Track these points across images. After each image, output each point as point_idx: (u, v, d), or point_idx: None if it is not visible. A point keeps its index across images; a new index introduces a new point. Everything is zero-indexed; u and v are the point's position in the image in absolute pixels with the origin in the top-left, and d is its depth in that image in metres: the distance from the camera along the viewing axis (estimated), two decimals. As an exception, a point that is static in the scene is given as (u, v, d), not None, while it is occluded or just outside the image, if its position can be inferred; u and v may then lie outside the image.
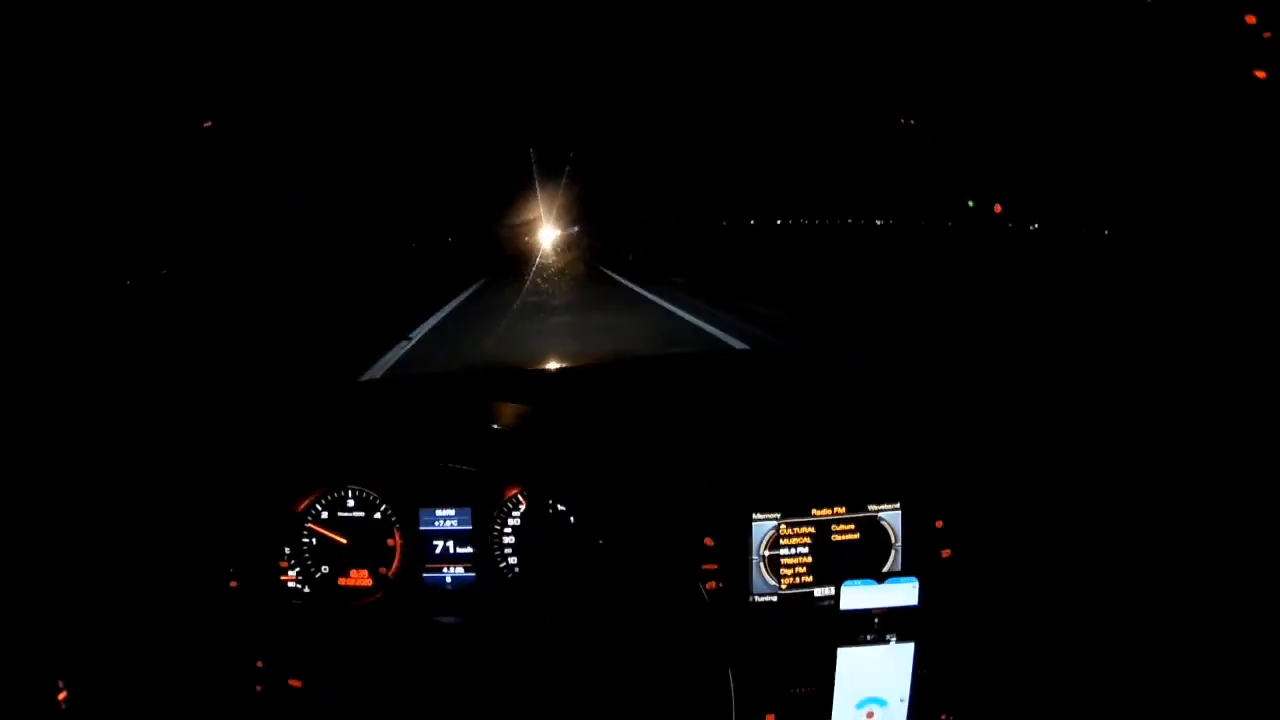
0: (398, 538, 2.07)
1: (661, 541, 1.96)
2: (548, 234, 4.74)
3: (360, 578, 2.09)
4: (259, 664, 1.96)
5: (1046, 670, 1.98)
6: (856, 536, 1.98)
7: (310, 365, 3.02)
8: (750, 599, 1.98)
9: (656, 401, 2.27)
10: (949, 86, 3.26)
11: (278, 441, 2.13)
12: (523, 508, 2.06)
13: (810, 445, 2.09)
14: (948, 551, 1.99)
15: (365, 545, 2.09)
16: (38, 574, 1.95)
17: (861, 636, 1.94)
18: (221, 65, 2.83)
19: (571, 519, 2.05)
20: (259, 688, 1.95)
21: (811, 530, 1.97)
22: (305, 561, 2.10)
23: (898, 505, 1.98)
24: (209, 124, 3.04)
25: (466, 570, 2.07)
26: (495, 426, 2.17)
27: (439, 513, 2.06)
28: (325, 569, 2.10)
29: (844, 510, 1.98)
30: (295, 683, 1.95)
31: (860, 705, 1.95)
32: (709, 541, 1.96)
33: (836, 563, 1.97)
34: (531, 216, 4.44)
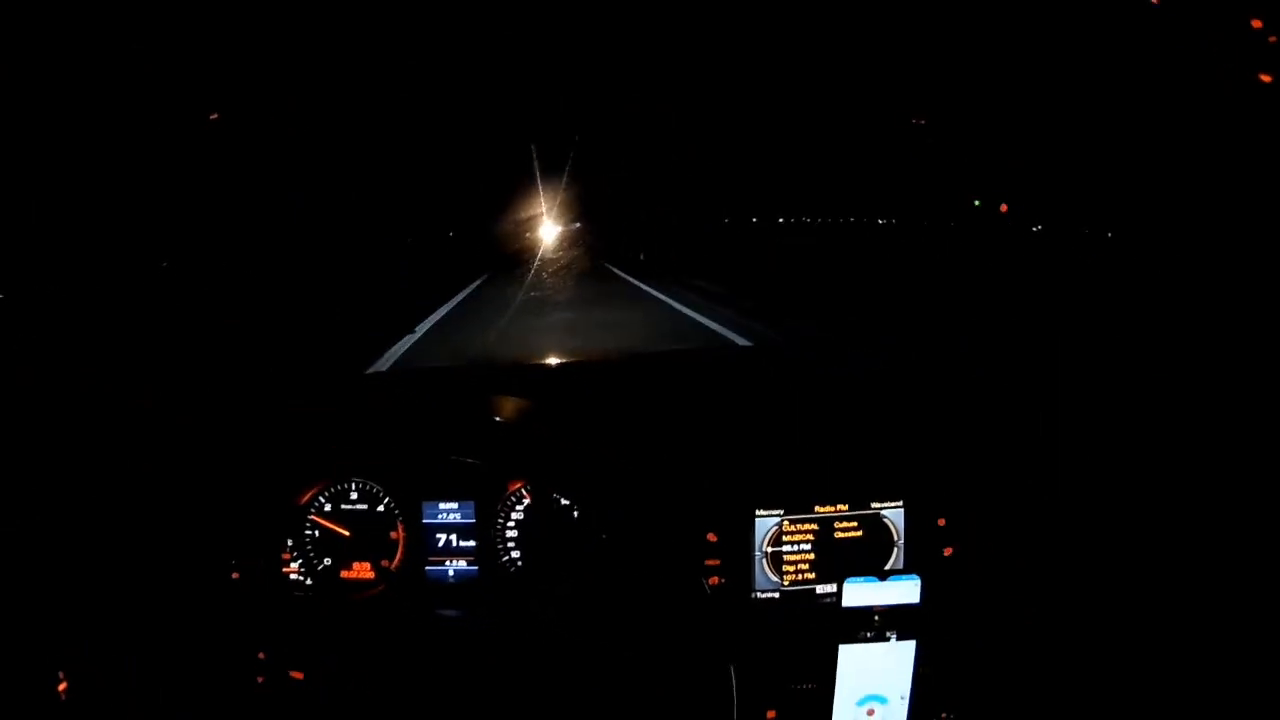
0: (400, 531, 2.07)
1: (664, 537, 1.96)
2: (550, 230, 4.74)
3: (362, 570, 2.09)
4: (260, 656, 1.96)
5: (1047, 669, 1.98)
6: (859, 534, 1.99)
7: (314, 359, 3.02)
8: (752, 595, 1.98)
9: (660, 397, 2.27)
10: (953, 86, 3.26)
11: (281, 434, 2.13)
12: (526, 502, 2.06)
13: (813, 442, 2.10)
14: (950, 550, 1.99)
15: (368, 538, 2.09)
16: (38, 568, 1.96)
17: (862, 634, 1.94)
18: (221, 62, 2.83)
19: (574, 514, 2.05)
20: (260, 679, 1.94)
21: (814, 527, 1.98)
22: (308, 554, 2.10)
23: (900, 503, 1.99)
24: (215, 116, 3.04)
25: (469, 564, 2.07)
26: (499, 420, 2.17)
27: (442, 506, 2.06)
28: (328, 561, 2.10)
29: (847, 507, 1.98)
30: (297, 675, 1.95)
31: (861, 702, 1.96)
32: (712, 538, 1.96)
33: (839, 560, 1.98)
34: (533, 213, 4.44)
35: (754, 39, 3.26)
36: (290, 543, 2.09)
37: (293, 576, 2.11)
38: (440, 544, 2.07)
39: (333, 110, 3.61)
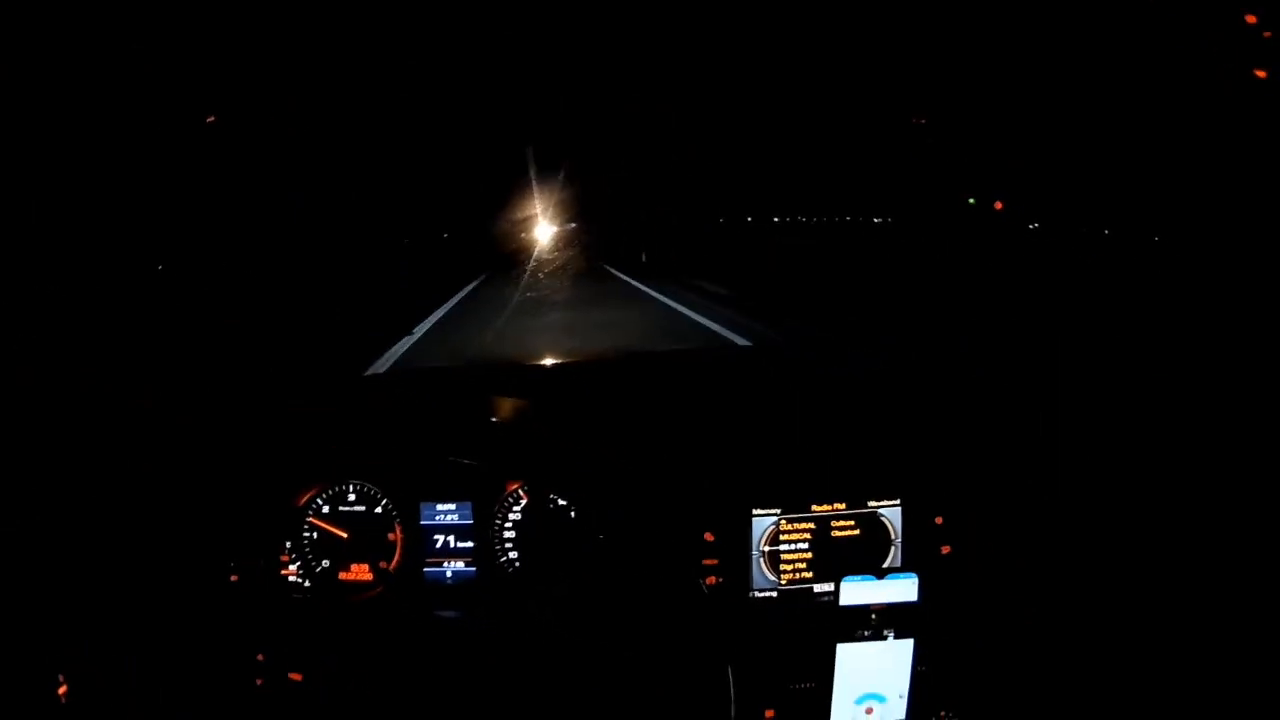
0: (398, 532, 2.07)
1: (662, 537, 1.97)
2: (546, 230, 4.73)
3: (361, 572, 2.09)
4: (259, 658, 1.96)
5: (1045, 666, 1.98)
6: (856, 532, 1.99)
7: (312, 361, 3.02)
8: (750, 595, 1.99)
9: (658, 397, 2.28)
10: (948, 84, 3.27)
11: (279, 435, 2.13)
12: (523, 503, 2.07)
13: (811, 441, 2.10)
14: (947, 548, 2.00)
15: (366, 539, 2.09)
16: (38, 569, 1.96)
17: (860, 632, 1.95)
18: (219, 63, 2.83)
19: (572, 514, 2.06)
20: (259, 681, 1.95)
21: (811, 526, 1.98)
22: (306, 555, 2.10)
23: (898, 501, 1.99)
24: (212, 119, 3.04)
25: (467, 565, 2.07)
26: (496, 421, 2.17)
27: (440, 507, 2.06)
28: (326, 563, 2.10)
29: (844, 506, 1.98)
30: (295, 676, 1.95)
31: (859, 701, 1.96)
32: (709, 537, 1.97)
33: (836, 559, 1.98)
34: (529, 213, 4.44)
35: (751, 38, 3.27)
36: (289, 544, 2.09)
37: (291, 578, 2.10)
38: (438, 545, 2.07)
39: (330, 109, 3.61)
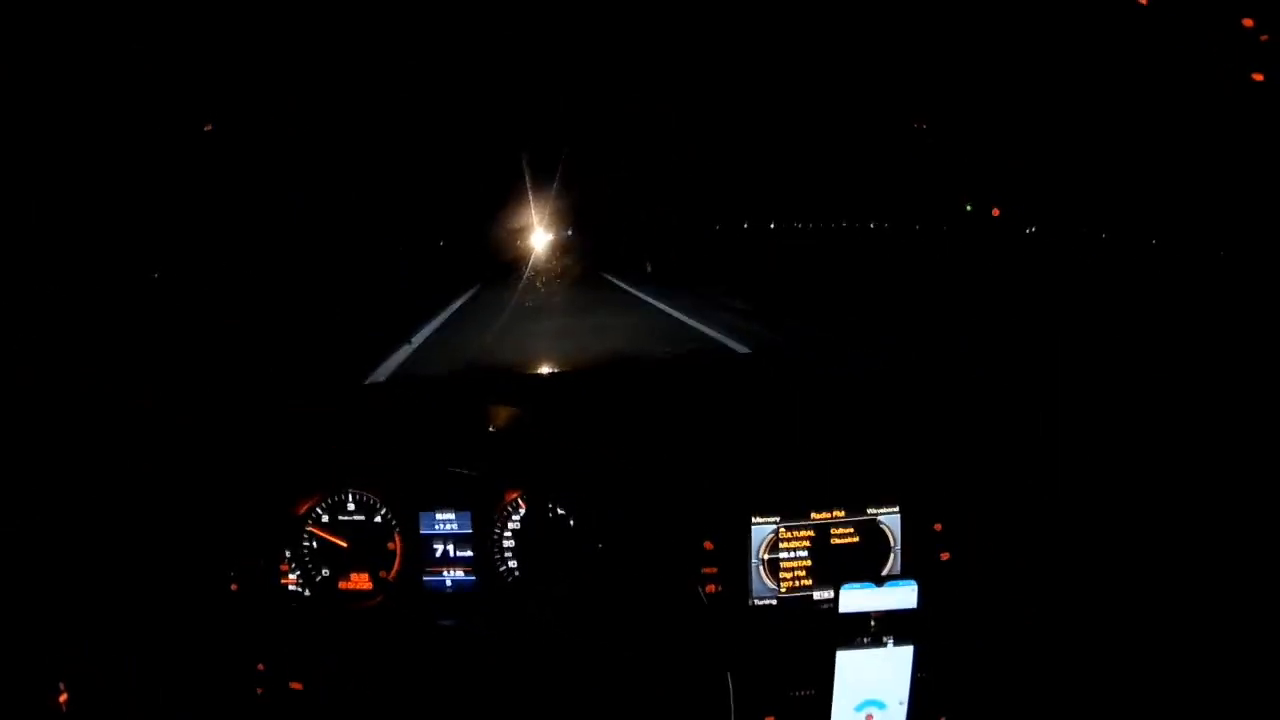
0: (398, 541, 2.07)
1: (661, 545, 1.97)
2: (542, 238, 4.73)
3: (360, 581, 2.09)
4: (260, 667, 1.96)
5: (1044, 672, 1.98)
6: (856, 540, 2.00)
7: (312, 369, 3.02)
8: (750, 602, 1.99)
9: (657, 404, 2.28)
10: (948, 90, 3.27)
11: (279, 444, 2.13)
12: (522, 511, 2.07)
13: (809, 448, 2.10)
14: (946, 554, 2.00)
15: (365, 548, 2.09)
16: (38, 575, 1.96)
17: (860, 639, 1.94)
18: (221, 66, 2.83)
19: (571, 522, 2.06)
20: (260, 690, 1.95)
21: (811, 533, 1.98)
22: (306, 564, 2.10)
23: (897, 508, 1.99)
24: (209, 128, 3.04)
25: (466, 573, 2.07)
26: (495, 430, 2.17)
27: (439, 516, 2.06)
28: (326, 572, 2.10)
29: (843, 513, 1.99)
30: (296, 685, 1.95)
31: (859, 708, 1.96)
32: (709, 545, 1.97)
33: (835, 566, 1.99)
34: (525, 221, 4.43)
35: (750, 42, 3.27)
36: (288, 554, 2.09)
37: (291, 587, 2.10)
38: (438, 554, 2.07)
39: (330, 114, 3.61)
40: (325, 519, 2.10)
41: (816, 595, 1.99)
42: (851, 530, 1.99)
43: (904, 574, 1.99)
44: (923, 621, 1.95)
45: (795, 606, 2.00)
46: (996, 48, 2.91)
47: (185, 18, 2.57)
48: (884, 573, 1.99)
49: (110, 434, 2.11)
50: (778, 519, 1.97)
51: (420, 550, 2.07)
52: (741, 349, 5.39)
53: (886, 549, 2.00)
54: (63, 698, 1.88)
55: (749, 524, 1.97)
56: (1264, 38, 2.17)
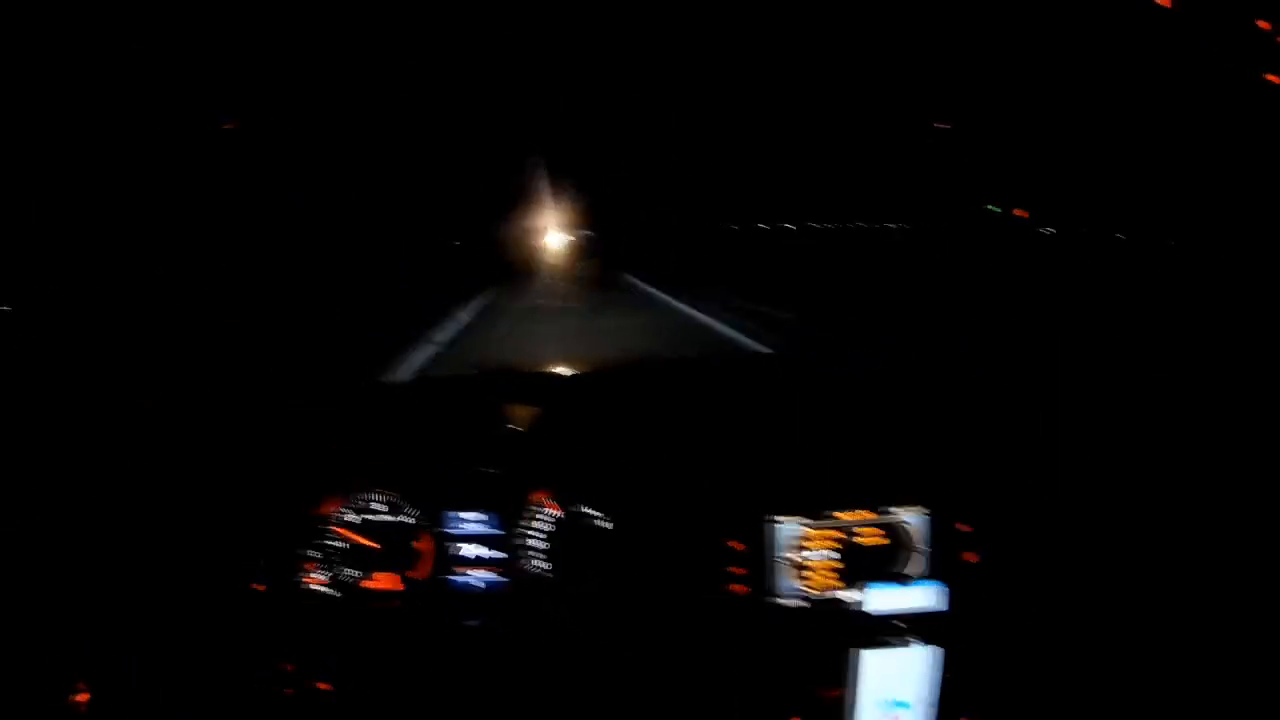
0: (425, 541, 2.08)
1: (688, 545, 1.98)
2: (558, 239, 4.74)
3: (386, 581, 2.10)
4: (288, 668, 1.97)
5: (1069, 674, 1.99)
6: (882, 540, 2.00)
7: (333, 369, 3.03)
8: (775, 602, 1.99)
9: (680, 405, 2.29)
10: (970, 91, 3.28)
11: (304, 444, 2.14)
12: (550, 511, 2.07)
13: (834, 449, 2.11)
14: (973, 555, 2.00)
15: (392, 549, 2.09)
16: (57, 574, 1.97)
17: (885, 640, 1.95)
18: (228, 66, 2.84)
19: (599, 523, 2.06)
20: (287, 691, 1.96)
21: (836, 534, 1.99)
22: (331, 565, 2.10)
23: (923, 509, 2.00)
24: (231, 126, 3.06)
25: (493, 574, 2.07)
26: (520, 430, 2.18)
27: (466, 516, 2.07)
28: (351, 573, 2.11)
29: (869, 514, 1.99)
30: (323, 686, 1.96)
31: (884, 708, 1.96)
32: (735, 545, 1.97)
33: (861, 566, 1.99)
34: (542, 221, 4.45)
35: (780, 40, 3.28)
36: (314, 554, 2.10)
37: (317, 588, 2.10)
38: (464, 554, 2.07)
39: (340, 115, 3.63)
40: (351, 519, 2.10)
41: (842, 596, 2.00)
42: (877, 531, 2.00)
43: (929, 575, 1.99)
44: (948, 622, 1.96)
45: (821, 607, 2.00)
46: (1019, 47, 2.91)
47: (201, 19, 2.59)
48: (910, 573, 1.99)
49: (132, 435, 2.12)
50: (804, 519, 1.98)
51: (447, 550, 2.07)
52: (763, 349, 5.39)
53: (912, 550, 2.00)
54: (83, 697, 1.89)
55: (774, 524, 1.97)
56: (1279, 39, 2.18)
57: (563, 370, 2.68)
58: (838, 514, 1.99)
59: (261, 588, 2.05)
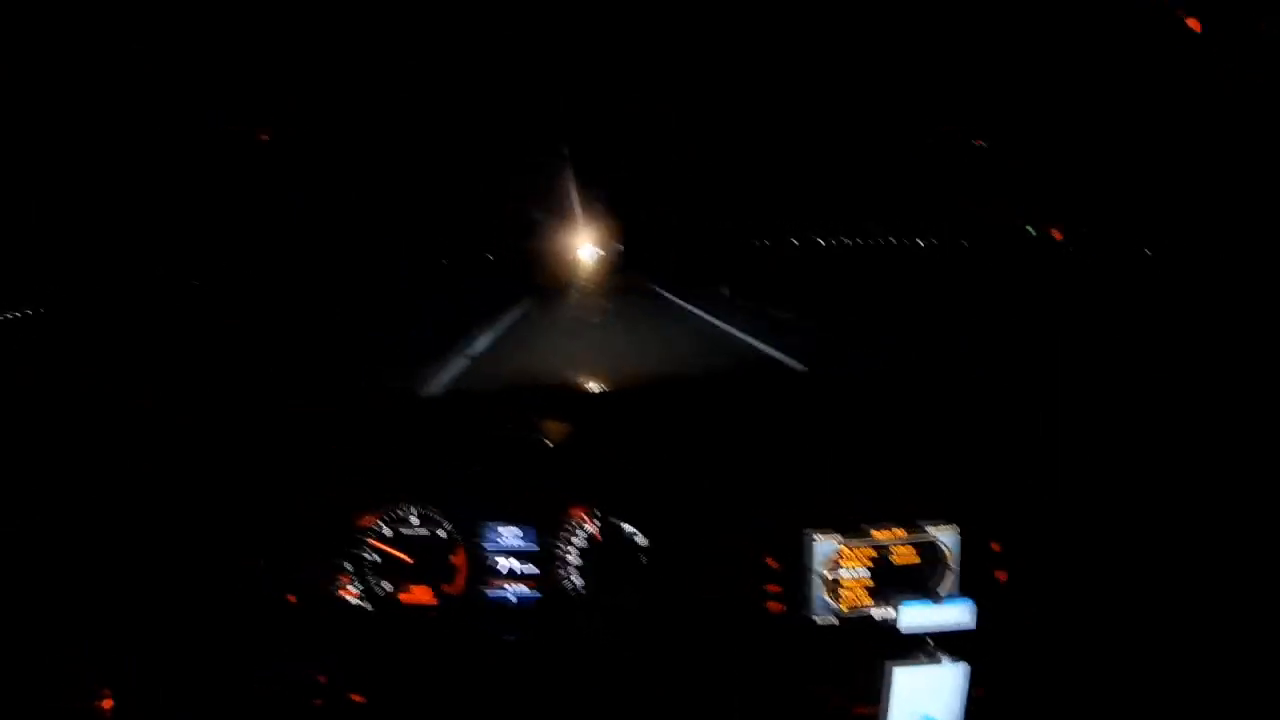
0: (461, 555, 2.10)
1: (725, 562, 1.99)
2: (591, 252, 4.74)
3: (422, 594, 2.12)
4: (320, 679, 1.99)
5: (1097, 692, 1.98)
6: (915, 558, 2.01)
7: (369, 383, 3.06)
8: (810, 619, 2.00)
9: (717, 420, 2.30)
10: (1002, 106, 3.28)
11: (339, 457, 2.16)
12: (588, 527, 2.09)
13: (869, 466, 2.12)
14: (1003, 573, 2.01)
15: (428, 562, 2.11)
16: (90, 587, 2.00)
17: (917, 656, 1.95)
18: (247, 75, 2.86)
19: (637, 539, 2.08)
20: (319, 702, 1.97)
21: (871, 552, 2.00)
22: (366, 577, 2.12)
23: (955, 526, 2.01)
24: (266, 137, 3.09)
25: (530, 588, 2.09)
26: (558, 445, 2.20)
27: (503, 530, 2.08)
28: (387, 585, 2.13)
29: (903, 532, 2.00)
30: (356, 698, 1.98)
31: (914, 724, 1.97)
32: (770, 562, 1.99)
33: (895, 584, 2.00)
34: (575, 235, 4.46)
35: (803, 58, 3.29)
36: (349, 566, 2.12)
37: (352, 600, 2.13)
38: (501, 568, 2.09)
39: (383, 131, 3.66)
40: (387, 532, 2.12)
41: (876, 613, 2.01)
42: (911, 549, 2.01)
43: (961, 592, 2.00)
44: (979, 639, 1.97)
45: (854, 624, 2.01)
46: (1046, 62, 2.92)
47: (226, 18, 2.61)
48: (941, 591, 2.00)
49: (164, 448, 2.15)
50: (839, 537, 1.99)
51: (483, 565, 2.09)
52: (798, 366, 5.38)
53: (945, 568, 2.01)
54: (107, 704, 1.92)
55: (809, 542, 1.99)
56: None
57: (599, 385, 2.70)
58: (873, 532, 2.00)
59: (294, 599, 2.08)
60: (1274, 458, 2.03)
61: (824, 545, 1.99)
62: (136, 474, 2.10)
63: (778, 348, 6.05)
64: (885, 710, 1.95)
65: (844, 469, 2.11)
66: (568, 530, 2.09)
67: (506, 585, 2.09)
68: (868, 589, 2.01)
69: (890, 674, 1.93)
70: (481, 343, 6.02)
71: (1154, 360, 2.51)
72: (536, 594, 2.08)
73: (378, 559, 2.12)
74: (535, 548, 2.08)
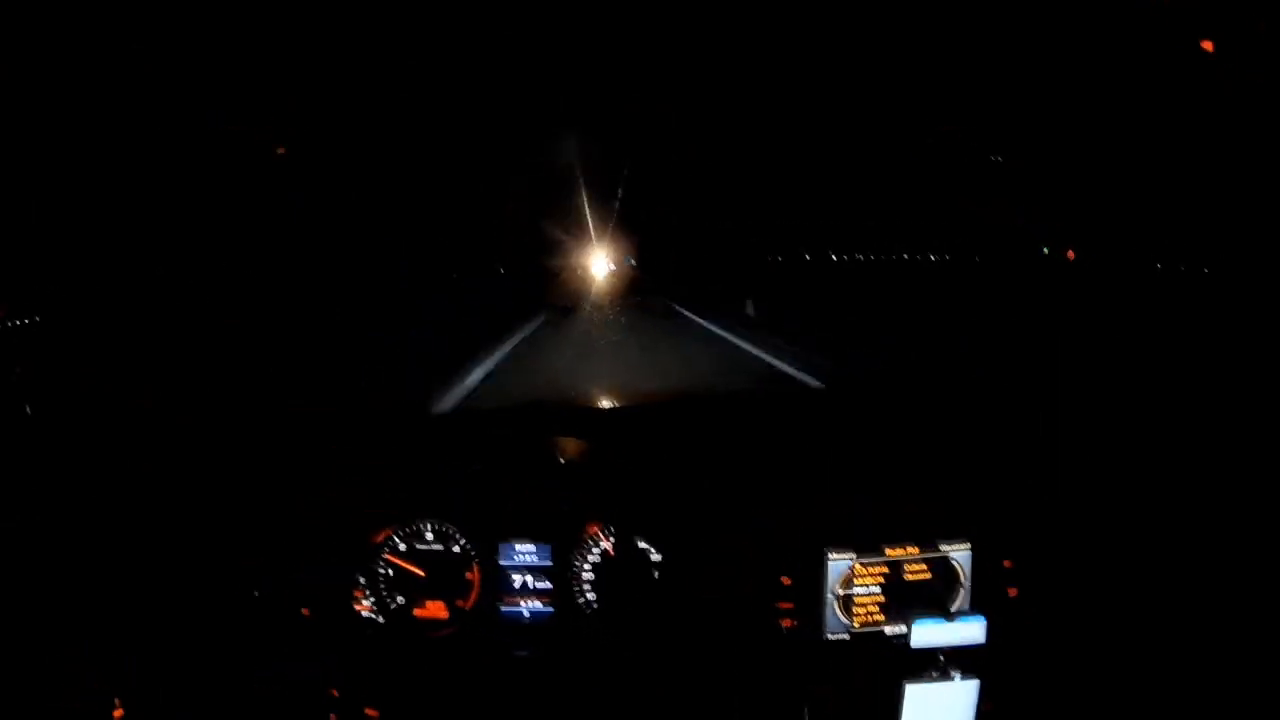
0: (476, 571, 2.11)
1: (739, 579, 2.00)
2: (606, 268, 4.74)
3: (437, 610, 2.13)
4: (334, 692, 2.00)
5: (1110, 707, 1.98)
6: (928, 576, 2.02)
7: (382, 400, 3.07)
8: (824, 637, 2.01)
9: (733, 439, 2.31)
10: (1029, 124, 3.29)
11: (355, 473, 2.17)
12: (603, 544, 2.10)
13: (884, 485, 2.13)
14: (1014, 590, 2.01)
15: (443, 578, 2.12)
16: (102, 598, 2.02)
17: (929, 672, 1.95)
18: (262, 79, 2.87)
19: (652, 556, 2.08)
20: (333, 716, 1.98)
21: (884, 569, 2.01)
22: (381, 592, 2.13)
23: (968, 545, 2.01)
24: (282, 150, 3.10)
25: (544, 604, 2.10)
26: (575, 462, 2.21)
27: (518, 547, 2.10)
28: (401, 600, 2.14)
29: (916, 550, 2.01)
30: (371, 712, 1.99)
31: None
32: (786, 580, 1.99)
33: (907, 601, 2.00)
34: (590, 251, 4.47)
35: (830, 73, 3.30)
36: (364, 580, 2.12)
37: (366, 614, 2.14)
38: (516, 585, 2.10)
39: (401, 146, 3.67)
40: (402, 548, 2.14)
41: (888, 630, 2.01)
42: (924, 566, 2.02)
43: (973, 609, 2.00)
44: (990, 655, 1.96)
45: (867, 641, 2.02)
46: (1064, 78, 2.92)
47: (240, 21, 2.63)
48: (953, 608, 2.00)
49: (187, 462, 2.17)
50: (853, 555, 1.99)
51: (498, 581, 2.10)
52: (814, 383, 5.37)
53: (956, 585, 2.01)
54: (118, 714, 1.93)
55: (824, 559, 1.99)
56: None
57: (616, 403, 2.71)
58: (887, 549, 2.00)
59: (308, 612, 2.09)
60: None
61: (838, 563, 2.00)
62: (154, 491, 2.12)
63: (794, 365, 6.03)
64: (898, 726, 1.96)
65: (860, 487, 2.12)
66: (582, 547, 2.09)
67: (520, 601, 2.10)
68: (880, 605, 2.01)
69: (902, 690, 1.94)
70: (496, 358, 6.03)
71: (1166, 379, 2.51)
72: (550, 610, 2.09)
73: (392, 574, 2.13)
74: (549, 564, 2.09)
